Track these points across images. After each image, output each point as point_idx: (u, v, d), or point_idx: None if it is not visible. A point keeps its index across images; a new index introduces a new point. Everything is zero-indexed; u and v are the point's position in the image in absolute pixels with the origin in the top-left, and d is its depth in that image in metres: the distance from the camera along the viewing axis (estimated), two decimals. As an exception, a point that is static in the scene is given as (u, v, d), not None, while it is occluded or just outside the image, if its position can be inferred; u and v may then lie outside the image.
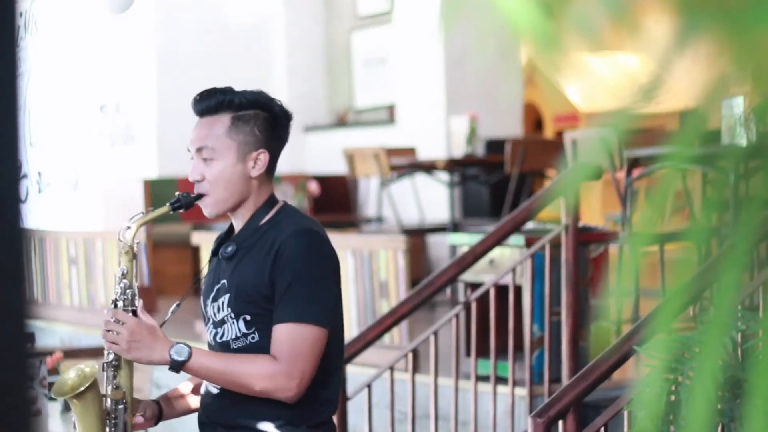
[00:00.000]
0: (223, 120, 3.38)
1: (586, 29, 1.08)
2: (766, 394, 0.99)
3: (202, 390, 3.48)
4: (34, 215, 5.98)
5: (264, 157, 3.39)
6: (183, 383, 3.61)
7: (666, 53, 1.03)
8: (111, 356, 3.34)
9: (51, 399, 5.58)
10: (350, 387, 5.47)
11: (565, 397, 4.26)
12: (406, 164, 9.56)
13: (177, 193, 3.39)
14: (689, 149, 1.03)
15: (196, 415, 3.54)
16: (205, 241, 7.66)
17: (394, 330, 6.19)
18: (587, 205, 10.63)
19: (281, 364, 3.24)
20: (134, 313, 3.33)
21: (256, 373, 3.25)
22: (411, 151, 10.19)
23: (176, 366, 3.25)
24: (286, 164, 12.11)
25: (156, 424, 3.49)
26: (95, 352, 8.24)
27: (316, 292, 3.28)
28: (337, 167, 10.91)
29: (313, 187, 11.00)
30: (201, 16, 11.68)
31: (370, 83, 11.87)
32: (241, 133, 3.37)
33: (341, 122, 12.10)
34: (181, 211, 3.40)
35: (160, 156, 10.63)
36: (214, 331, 3.41)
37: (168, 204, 3.38)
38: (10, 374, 1.10)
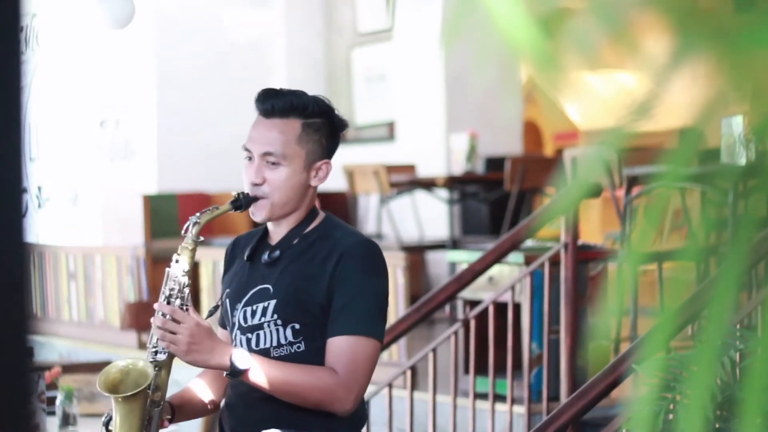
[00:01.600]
0: (294, 126, 3.31)
1: (585, 48, 1.09)
2: (759, 411, 0.99)
3: (225, 401, 3.41)
4: (33, 230, 5.99)
5: (326, 167, 3.35)
6: (194, 380, 3.52)
7: (662, 72, 1.03)
8: (161, 357, 3.24)
9: (50, 413, 5.57)
10: (348, 404, 5.46)
11: (563, 416, 4.26)
12: (405, 181, 9.57)
13: (236, 192, 3.28)
14: (684, 168, 1.04)
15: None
16: (204, 257, 7.66)
17: (393, 347, 6.18)
18: (586, 223, 10.63)
19: (341, 376, 3.19)
20: (186, 310, 3.23)
21: (316, 386, 3.18)
22: (411, 168, 10.20)
23: (237, 373, 3.18)
24: (285, 180, 12.11)
25: (167, 426, 3.40)
26: (94, 367, 8.23)
27: (376, 305, 3.25)
28: (337, 184, 10.92)
29: (313, 203, 11.00)
30: (201, 32, 11.70)
31: (370, 100, 11.88)
32: (310, 141, 3.31)
33: (341, 139, 12.11)
34: (239, 210, 3.29)
35: (159, 171, 10.64)
36: (243, 337, 3.32)
37: (229, 203, 3.26)
38: (10, 388, 1.10)
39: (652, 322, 5.20)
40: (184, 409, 3.45)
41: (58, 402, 5.74)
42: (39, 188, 5.87)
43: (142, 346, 7.99)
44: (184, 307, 3.24)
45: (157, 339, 3.23)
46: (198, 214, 3.29)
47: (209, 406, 3.51)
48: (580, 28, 1.10)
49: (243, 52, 11.90)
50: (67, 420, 5.74)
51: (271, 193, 3.28)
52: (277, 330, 3.27)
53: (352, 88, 12.07)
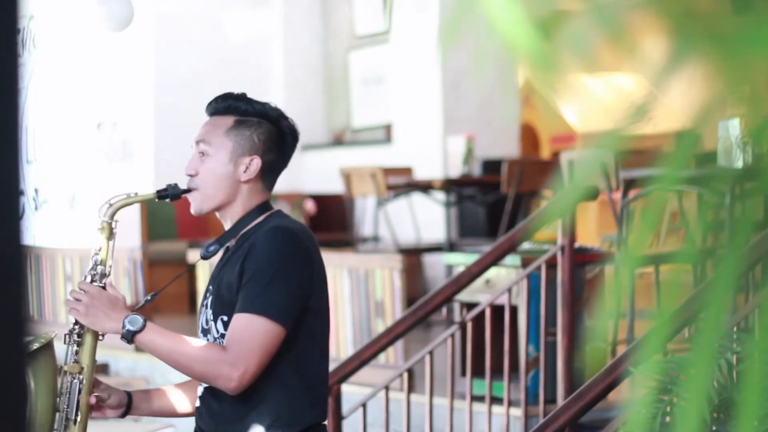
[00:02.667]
0: (227, 121, 3.43)
1: (582, 50, 1.09)
2: (756, 414, 0.99)
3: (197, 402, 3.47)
4: (30, 232, 5.98)
5: (256, 163, 3.40)
6: (169, 386, 3.57)
7: (659, 74, 1.04)
8: (75, 328, 3.37)
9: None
10: (345, 406, 5.47)
11: (560, 418, 4.26)
12: (402, 184, 9.57)
13: (167, 183, 3.40)
14: (681, 170, 1.04)
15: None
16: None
17: (390, 349, 6.18)
18: (583, 225, 10.63)
19: (228, 353, 3.22)
20: (103, 288, 3.35)
21: (201, 357, 3.23)
22: (408, 171, 10.20)
23: (128, 335, 3.27)
24: (282, 183, 12.07)
25: (123, 416, 3.46)
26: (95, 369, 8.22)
27: (276, 286, 3.26)
28: (334, 186, 10.92)
29: (310, 205, 11.01)
30: (199, 34, 11.71)
31: (368, 103, 11.89)
32: (239, 135, 3.40)
33: (338, 141, 12.12)
34: (167, 200, 3.40)
35: (157, 174, 10.62)
36: (203, 338, 3.39)
37: (155, 191, 3.39)
38: (8, 391, 1.10)
39: (649, 325, 5.21)
40: (149, 401, 3.51)
41: (54, 404, 5.73)
42: (36, 190, 5.87)
43: (138, 348, 7.98)
44: (98, 283, 3.36)
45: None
46: (113, 197, 3.42)
47: (177, 411, 3.55)
48: (578, 30, 1.10)
49: (241, 53, 11.90)
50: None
51: (201, 184, 3.39)
52: (212, 325, 3.35)
53: (349, 91, 12.07)
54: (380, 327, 6.53)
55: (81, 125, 7.14)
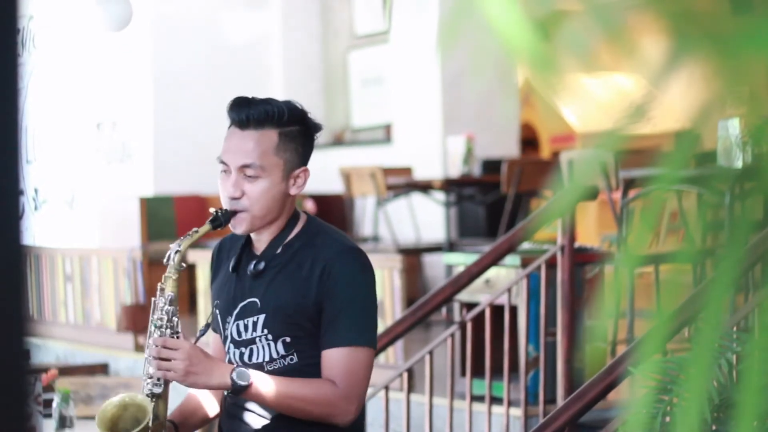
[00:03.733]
0: (271, 136, 3.23)
1: (581, 50, 1.09)
2: (755, 414, 0.99)
3: (224, 410, 3.41)
4: (30, 232, 5.98)
5: (305, 175, 3.28)
6: (189, 396, 3.51)
7: (658, 74, 1.04)
8: (155, 388, 3.22)
9: (47, 416, 5.57)
10: (345, 406, 5.46)
11: (560, 418, 4.26)
12: (402, 183, 9.57)
13: (214, 210, 3.22)
14: (681, 170, 1.04)
15: None
16: (200, 259, 7.65)
17: (390, 349, 6.18)
18: (583, 225, 10.64)
19: (340, 388, 3.17)
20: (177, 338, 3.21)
21: (317, 399, 3.17)
22: (407, 171, 10.20)
23: (239, 390, 3.15)
24: (282, 183, 12.12)
25: None
26: (90, 369, 8.23)
27: (367, 314, 3.22)
28: (334, 186, 10.92)
29: (310, 205, 11.01)
30: (198, 35, 11.70)
31: (367, 103, 11.89)
32: (287, 150, 3.24)
33: (338, 141, 12.12)
34: (219, 228, 3.25)
35: (156, 174, 10.63)
36: (237, 351, 3.31)
37: (208, 222, 3.21)
38: (8, 391, 1.10)
39: (648, 325, 5.20)
40: (186, 424, 3.43)
41: (54, 404, 5.74)
42: (36, 190, 5.86)
43: (138, 348, 7.98)
44: (175, 336, 3.22)
45: (154, 370, 3.19)
46: (179, 241, 3.25)
47: (210, 416, 3.50)
48: (577, 30, 1.10)
49: (240, 54, 11.90)
50: (63, 422, 5.74)
51: (251, 206, 3.22)
52: (269, 344, 3.26)
53: (348, 91, 12.07)
54: (380, 327, 6.53)
55: (80, 125, 7.13)
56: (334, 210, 11.12)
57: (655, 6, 1.09)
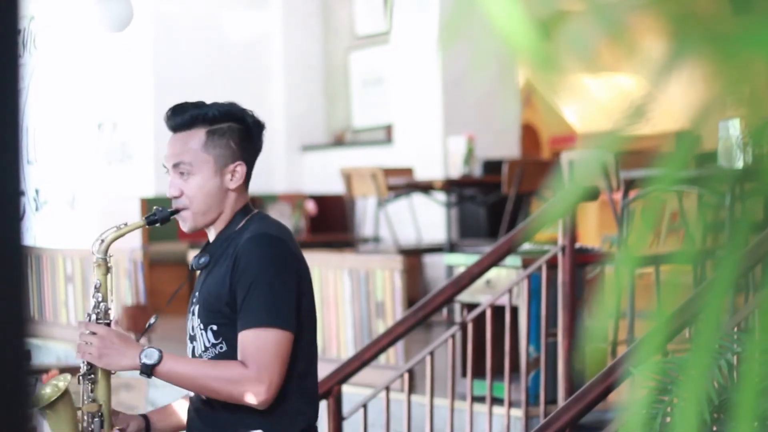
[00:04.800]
0: (199, 134, 3.39)
1: (583, 50, 1.09)
2: (755, 415, 0.99)
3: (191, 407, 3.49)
4: (31, 233, 5.98)
5: (241, 169, 3.41)
6: (178, 400, 3.60)
7: (659, 74, 1.04)
8: (86, 368, 3.35)
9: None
10: (346, 407, 5.47)
11: (560, 419, 4.26)
12: (403, 184, 9.57)
13: (154, 207, 3.40)
14: (681, 171, 1.04)
15: None
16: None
17: (390, 350, 6.18)
18: (584, 226, 10.64)
19: (249, 369, 3.24)
20: (108, 325, 3.34)
21: (225, 378, 3.25)
22: (408, 171, 10.20)
23: (146, 370, 3.26)
24: (282, 183, 12.13)
25: None
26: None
27: (275, 295, 3.28)
28: (335, 187, 10.92)
29: (310, 206, 11.01)
30: (199, 35, 11.70)
31: (368, 103, 11.89)
32: (217, 146, 3.39)
33: (339, 142, 12.12)
34: (156, 225, 3.39)
35: (156, 174, 10.63)
36: (190, 345, 3.42)
37: (144, 218, 3.39)
38: (9, 392, 1.10)
39: (649, 326, 5.20)
40: (163, 420, 3.54)
41: (55, 405, 5.73)
42: (36, 191, 5.86)
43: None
44: (103, 321, 3.35)
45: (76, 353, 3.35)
46: (104, 231, 3.43)
47: (184, 423, 3.57)
48: (578, 30, 1.10)
49: (240, 54, 11.90)
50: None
51: (190, 203, 3.39)
52: (202, 333, 3.37)
53: (349, 91, 12.07)
54: (381, 328, 6.53)
55: (81, 126, 7.13)
56: (335, 211, 11.12)
57: (656, 6, 1.09)
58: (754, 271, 4.41)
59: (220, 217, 3.42)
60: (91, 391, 3.36)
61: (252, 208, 3.47)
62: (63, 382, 3.40)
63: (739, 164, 4.64)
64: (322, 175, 11.77)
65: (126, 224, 3.41)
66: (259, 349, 3.25)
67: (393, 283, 6.57)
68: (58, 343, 8.83)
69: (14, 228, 1.08)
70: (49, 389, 3.40)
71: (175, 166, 3.39)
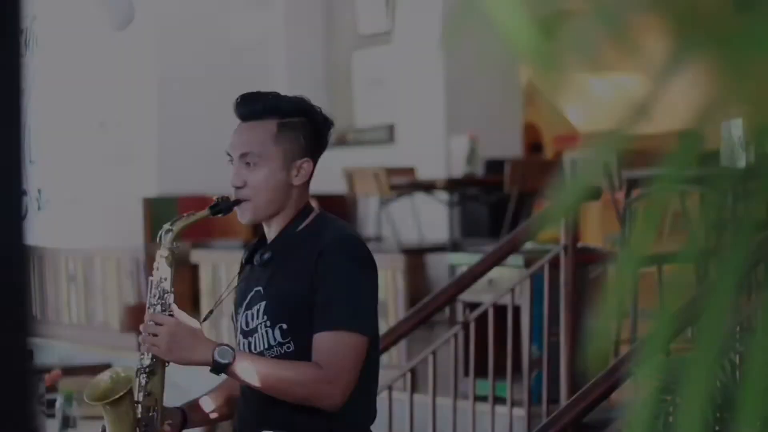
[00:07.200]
0: (269, 126, 3.31)
1: (585, 50, 1.09)
2: (757, 414, 0.99)
3: (240, 401, 3.41)
4: (33, 232, 5.98)
5: (307, 166, 3.35)
6: (204, 397, 3.51)
7: (662, 74, 1.04)
8: (146, 362, 3.27)
9: (50, 416, 5.57)
10: (348, 406, 5.46)
11: (563, 418, 4.26)
12: (405, 184, 9.56)
13: (216, 197, 3.30)
14: (684, 170, 1.04)
15: None
16: (204, 260, 7.66)
17: (393, 350, 6.18)
18: (586, 225, 10.63)
19: (325, 371, 3.16)
20: (172, 316, 3.24)
21: (300, 380, 3.17)
22: (410, 171, 10.20)
23: (219, 368, 3.17)
24: (285, 183, 12.12)
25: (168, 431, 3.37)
26: (94, 370, 8.22)
27: (359, 300, 3.22)
28: (337, 186, 10.92)
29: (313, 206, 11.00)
30: (201, 34, 11.70)
31: (370, 103, 11.88)
32: (287, 140, 3.31)
33: (341, 141, 12.10)
34: (220, 215, 3.31)
35: (159, 174, 10.64)
36: (244, 341, 3.33)
37: (208, 208, 3.29)
38: (12, 392, 1.10)
39: (651, 325, 5.19)
40: (197, 414, 3.45)
41: (57, 405, 5.74)
42: (39, 191, 5.86)
43: (142, 348, 7.98)
44: (167, 312, 3.25)
45: (142, 345, 3.26)
46: (171, 221, 3.32)
47: (224, 412, 3.50)
48: (581, 30, 1.10)
49: (243, 53, 11.89)
50: (66, 423, 5.74)
51: (253, 195, 3.29)
52: (267, 331, 3.28)
53: (352, 91, 12.06)
54: (383, 327, 6.52)
55: (84, 126, 7.14)
56: (337, 210, 11.10)
57: (658, 5, 1.09)
58: (756, 270, 4.41)
59: (281, 213, 3.33)
60: (147, 383, 3.28)
61: (313, 207, 3.41)
62: (125, 374, 3.31)
63: (742, 164, 4.64)
64: (324, 174, 11.69)
65: (193, 214, 3.31)
66: (337, 352, 3.17)
67: (395, 282, 6.57)
68: (61, 342, 8.83)
69: (17, 228, 1.08)
70: (108, 381, 3.31)
71: (242, 156, 3.30)
